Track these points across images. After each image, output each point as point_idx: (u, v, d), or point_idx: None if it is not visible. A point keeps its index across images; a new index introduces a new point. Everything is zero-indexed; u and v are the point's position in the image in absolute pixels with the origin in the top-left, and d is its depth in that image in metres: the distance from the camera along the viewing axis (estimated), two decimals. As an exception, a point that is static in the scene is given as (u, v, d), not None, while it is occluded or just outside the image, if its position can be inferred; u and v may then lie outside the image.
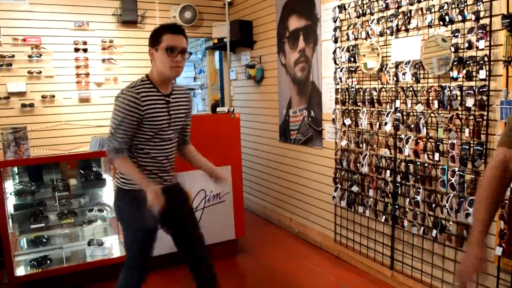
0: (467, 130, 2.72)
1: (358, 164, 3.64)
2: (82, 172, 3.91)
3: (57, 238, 4.02)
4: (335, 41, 3.81)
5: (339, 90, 3.80)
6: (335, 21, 3.80)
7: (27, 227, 3.63)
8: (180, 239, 2.63)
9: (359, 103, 3.59)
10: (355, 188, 3.71)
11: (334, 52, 3.82)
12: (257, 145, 5.47)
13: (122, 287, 2.55)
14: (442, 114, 2.89)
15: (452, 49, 2.74)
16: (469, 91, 2.68)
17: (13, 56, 4.76)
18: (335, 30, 3.80)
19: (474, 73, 2.66)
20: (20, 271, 3.54)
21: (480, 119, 2.65)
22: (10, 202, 3.61)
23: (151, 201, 2.15)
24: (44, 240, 3.91)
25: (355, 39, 3.57)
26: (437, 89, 2.88)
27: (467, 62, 2.69)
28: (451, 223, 2.92)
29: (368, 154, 3.55)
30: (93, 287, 3.61)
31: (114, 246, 3.97)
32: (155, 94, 2.32)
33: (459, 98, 2.76)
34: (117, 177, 2.49)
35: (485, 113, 2.64)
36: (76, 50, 5.08)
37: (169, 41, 2.25)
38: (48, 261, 3.66)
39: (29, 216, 3.63)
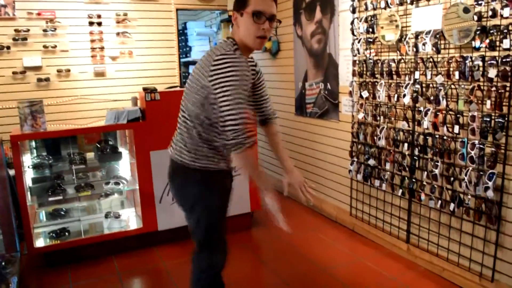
0: (488, 102, 2.64)
1: (375, 137, 3.58)
2: (98, 145, 3.94)
3: (75, 210, 4.09)
4: (353, 11, 3.71)
5: (357, 62, 3.72)
6: (352, -10, 3.69)
7: (46, 200, 3.68)
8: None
9: (377, 75, 3.51)
10: (371, 162, 3.66)
11: (352, 22, 3.71)
12: (273, 119, 5.42)
13: (202, 275, 2.23)
14: (463, 86, 2.81)
15: (475, 17, 2.64)
16: (492, 62, 2.59)
17: (28, 30, 4.77)
18: (352, -1, 3.70)
19: (497, 43, 2.56)
20: (40, 242, 3.62)
21: (503, 90, 2.57)
22: (28, 175, 3.66)
23: (271, 205, 1.95)
24: (62, 212, 3.98)
25: (374, 8, 3.47)
26: (458, 60, 2.79)
27: (491, 31, 2.59)
28: (469, 196, 2.87)
29: (385, 127, 3.48)
30: (111, 259, 3.67)
31: (130, 219, 4.02)
32: (244, 61, 2.00)
33: (481, 68, 2.67)
34: (176, 152, 2.15)
35: (508, 84, 2.55)
36: (91, 23, 5.06)
37: (257, 4, 1.92)
38: (67, 233, 3.73)
39: (47, 189, 3.68)
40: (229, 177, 2.25)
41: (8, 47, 4.70)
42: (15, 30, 4.71)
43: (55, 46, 4.91)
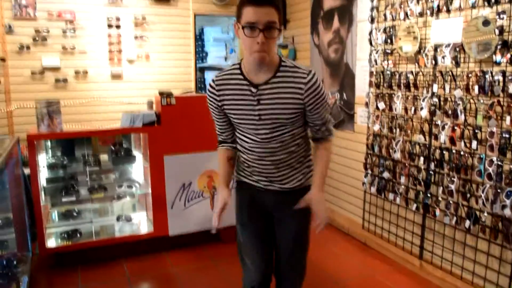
0: (508, 118, 2.59)
1: (391, 150, 3.54)
2: (113, 148, 3.95)
3: (87, 212, 4.10)
4: (372, 22, 3.68)
5: (374, 72, 3.69)
6: (372, 0, 3.66)
7: (59, 200, 3.69)
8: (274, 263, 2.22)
9: (394, 87, 3.48)
10: (386, 175, 3.62)
11: (370, 33, 3.69)
12: (287, 127, 5.39)
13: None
14: (482, 101, 2.76)
15: (497, 31, 2.60)
16: (513, 77, 2.55)
17: (48, 31, 4.82)
18: (372, 9, 3.67)
19: (519, 58, 2.52)
20: (51, 243, 3.63)
21: (524, 107, 2.52)
22: (43, 175, 3.68)
23: (216, 205, 2.02)
24: (75, 213, 3.99)
25: (393, 19, 3.44)
26: (478, 74, 2.75)
27: (513, 46, 2.55)
28: (485, 214, 2.81)
29: (401, 140, 3.44)
30: (121, 262, 3.67)
31: (142, 223, 4.02)
32: (239, 82, 1.90)
33: (501, 84, 2.62)
34: None
35: (529, 100, 2.51)
36: (109, 26, 5.10)
37: (248, 15, 1.71)
38: (78, 235, 3.73)
39: (61, 189, 3.70)
40: (261, 193, 2.11)
41: (28, 47, 4.76)
42: (36, 30, 4.77)
43: (74, 47, 4.96)
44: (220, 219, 1.97)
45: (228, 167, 2.11)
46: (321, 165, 2.01)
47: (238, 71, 1.92)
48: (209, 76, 6.70)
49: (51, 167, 3.77)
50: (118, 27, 5.13)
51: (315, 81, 1.85)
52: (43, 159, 3.82)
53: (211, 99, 2.00)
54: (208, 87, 2.00)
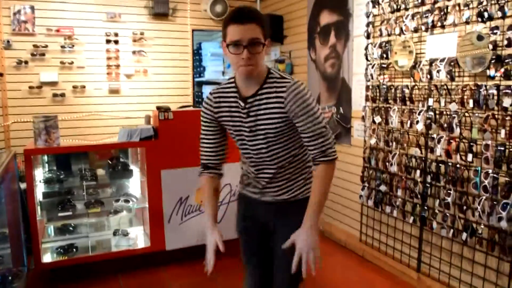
0: (503, 131, 2.62)
1: (387, 163, 3.55)
2: (110, 162, 3.95)
3: (83, 227, 4.08)
4: (367, 37, 3.72)
5: (370, 87, 3.72)
6: (368, 16, 3.71)
7: (55, 215, 3.68)
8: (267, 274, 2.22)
9: (390, 101, 3.51)
10: (383, 188, 3.63)
11: (366, 48, 3.73)
12: (284, 141, 5.41)
13: None
14: (477, 114, 2.79)
15: (490, 46, 2.63)
16: (507, 91, 2.57)
17: (47, 46, 4.86)
18: (367, 25, 3.72)
19: (512, 72, 2.56)
20: (47, 257, 3.61)
21: (518, 120, 2.55)
22: (39, 189, 3.67)
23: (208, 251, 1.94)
24: (71, 228, 3.97)
25: (388, 35, 3.48)
26: (473, 88, 2.78)
27: (506, 61, 2.58)
28: (482, 226, 2.81)
29: (397, 153, 3.46)
30: (117, 277, 3.64)
31: (139, 237, 4.00)
32: (232, 96, 1.95)
33: (495, 97, 2.65)
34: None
35: (523, 113, 2.54)
36: (108, 41, 5.14)
37: (232, 34, 1.77)
38: (74, 249, 3.71)
39: (57, 204, 3.69)
40: (255, 204, 2.13)
41: (26, 62, 4.79)
42: (34, 46, 4.80)
43: (72, 63, 4.99)
44: (214, 262, 1.95)
45: (215, 200, 2.06)
46: (313, 197, 1.89)
47: (233, 85, 1.95)
48: (207, 91, 6.71)
49: (47, 181, 3.76)
50: (116, 42, 5.17)
51: (296, 88, 1.84)
52: (40, 174, 3.82)
53: (207, 111, 2.01)
54: (205, 99, 2.02)
